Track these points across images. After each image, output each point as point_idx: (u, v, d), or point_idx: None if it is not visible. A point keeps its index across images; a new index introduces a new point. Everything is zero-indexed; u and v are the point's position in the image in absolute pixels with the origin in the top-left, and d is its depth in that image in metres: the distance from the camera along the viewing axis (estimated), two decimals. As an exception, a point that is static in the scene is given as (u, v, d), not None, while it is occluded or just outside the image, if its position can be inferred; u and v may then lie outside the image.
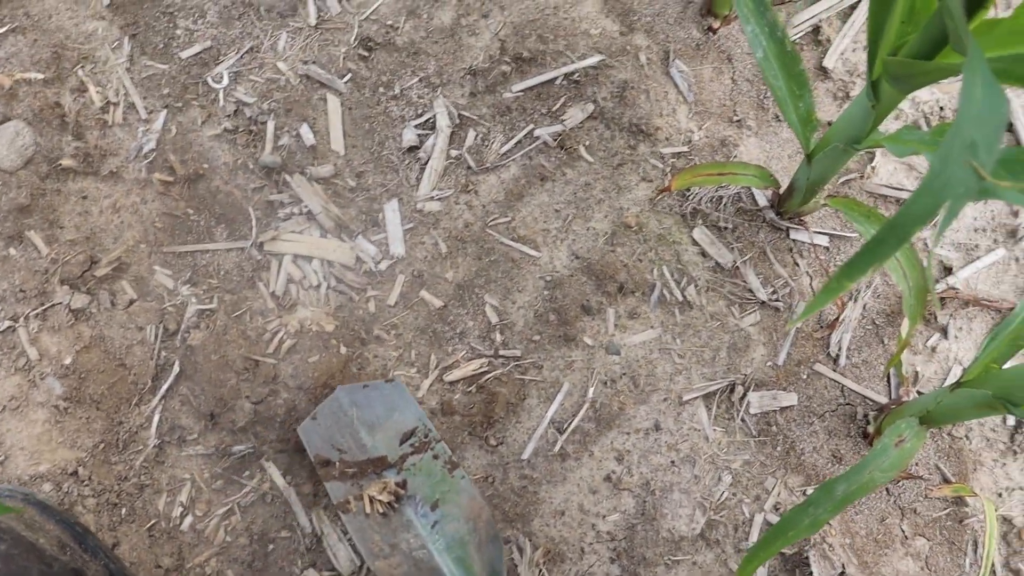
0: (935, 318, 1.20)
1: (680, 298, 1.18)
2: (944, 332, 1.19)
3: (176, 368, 1.15)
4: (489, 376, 1.14)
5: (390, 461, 0.69)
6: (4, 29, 1.28)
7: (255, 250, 1.20)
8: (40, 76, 1.25)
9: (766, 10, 0.99)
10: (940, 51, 0.76)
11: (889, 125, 1.26)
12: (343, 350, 1.15)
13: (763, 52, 1.00)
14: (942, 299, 1.20)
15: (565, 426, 1.13)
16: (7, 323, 1.16)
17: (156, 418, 1.13)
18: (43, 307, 1.17)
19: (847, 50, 1.29)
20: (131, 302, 1.17)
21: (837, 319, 1.18)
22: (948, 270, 1.21)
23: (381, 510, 0.67)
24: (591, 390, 1.14)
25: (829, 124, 1.24)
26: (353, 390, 0.76)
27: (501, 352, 1.15)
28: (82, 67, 1.27)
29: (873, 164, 1.24)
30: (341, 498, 0.66)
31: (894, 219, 0.53)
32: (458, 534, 0.62)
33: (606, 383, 1.15)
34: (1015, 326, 0.98)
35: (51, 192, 1.21)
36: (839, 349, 1.18)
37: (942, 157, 0.48)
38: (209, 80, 1.26)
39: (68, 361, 1.15)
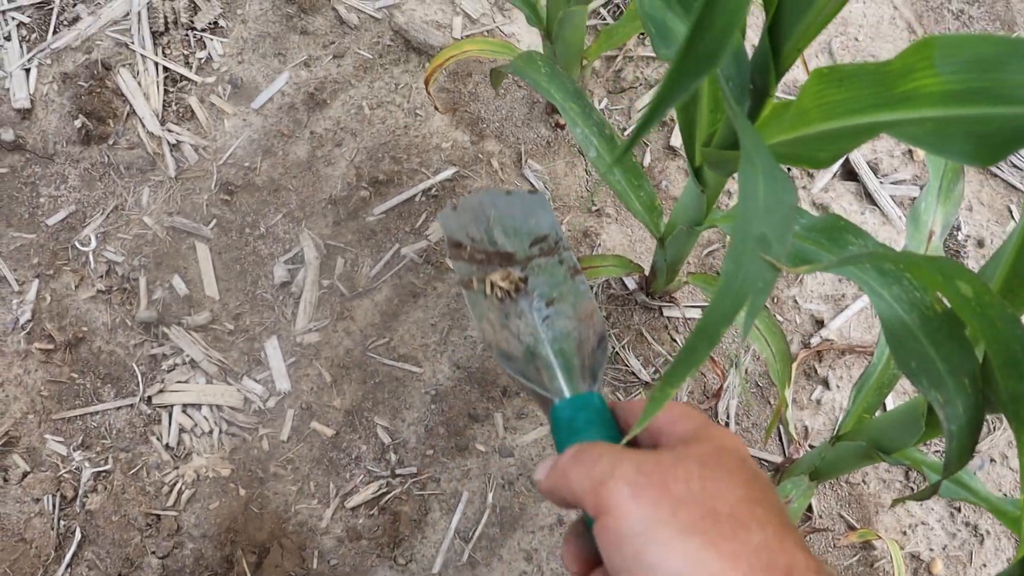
0: (816, 371, 1.31)
1: (565, 391, 1.28)
2: (826, 384, 1.31)
3: (78, 535, 1.22)
4: (389, 496, 1.23)
5: (517, 259, 0.74)
6: None
7: (144, 405, 1.28)
8: (-92, 264, 1.34)
9: (592, 111, 1.11)
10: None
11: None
12: (242, 492, 1.23)
13: (595, 151, 1.11)
14: (819, 352, 1.32)
15: (471, 534, 1.22)
16: (-100, 518, 1.22)
17: (63, 589, 1.20)
18: (-64, 494, 1.24)
19: (693, 126, 1.42)
20: (24, 475, 1.25)
21: (720, 388, 1.28)
22: (820, 323, 1.33)
23: (499, 295, 0.72)
24: (490, 495, 1.23)
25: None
26: (496, 194, 0.81)
27: (398, 471, 1.24)
28: (-51, 248, 1.36)
29: (721, 227, 1.36)
30: (465, 277, 0.72)
31: (700, 326, 0.57)
32: (566, 329, 0.68)
33: (504, 486, 1.24)
34: (877, 375, 1.07)
35: (-68, 377, 1.29)
36: (728, 416, 1.28)
37: (735, 258, 0.52)
38: (77, 244, 1.36)
39: (-33, 545, 1.22)
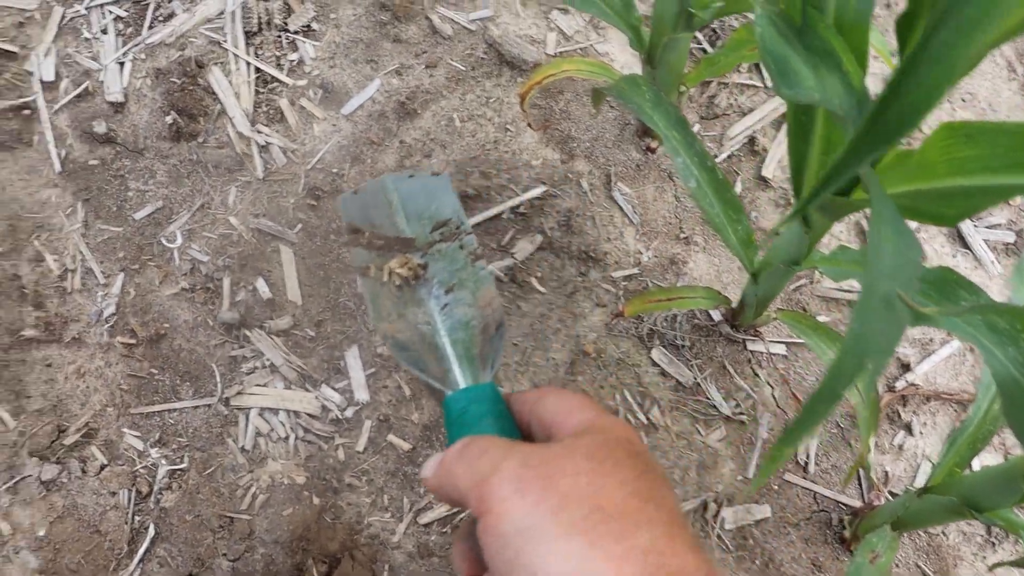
0: (899, 416, 1.31)
1: (644, 420, 1.29)
2: (909, 429, 1.31)
3: (152, 531, 1.24)
4: (463, 516, 1.25)
5: (417, 245, 0.75)
6: (-42, 206, 1.41)
7: (222, 406, 1.31)
8: (-3, 250, 1.38)
9: (694, 141, 1.11)
10: (856, 185, 0.82)
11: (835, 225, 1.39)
12: (316, 501, 1.25)
13: (696, 182, 1.11)
14: (904, 396, 1.32)
15: (541, 558, 1.23)
16: (-21, 504, 1.26)
17: (134, 584, 1.23)
18: (13, 481, 1.27)
19: (783, 158, 1.42)
20: (102, 467, 1.28)
21: (801, 426, 1.28)
22: (906, 367, 1.33)
23: (397, 283, 0.72)
24: (564, 520, 1.25)
25: (777, 234, 1.37)
26: (399, 179, 0.81)
27: (472, 490, 1.26)
28: (38, 236, 1.39)
29: (821, 269, 1.36)
30: (362, 264, 0.72)
31: (820, 389, 0.55)
32: (465, 317, 0.68)
33: (578, 512, 1.25)
34: (971, 430, 1.06)
35: (15, 363, 1.32)
36: (807, 456, 1.29)
37: (862, 318, 0.52)
38: (163, 240, 1.39)
39: (42, 533, 1.25)
